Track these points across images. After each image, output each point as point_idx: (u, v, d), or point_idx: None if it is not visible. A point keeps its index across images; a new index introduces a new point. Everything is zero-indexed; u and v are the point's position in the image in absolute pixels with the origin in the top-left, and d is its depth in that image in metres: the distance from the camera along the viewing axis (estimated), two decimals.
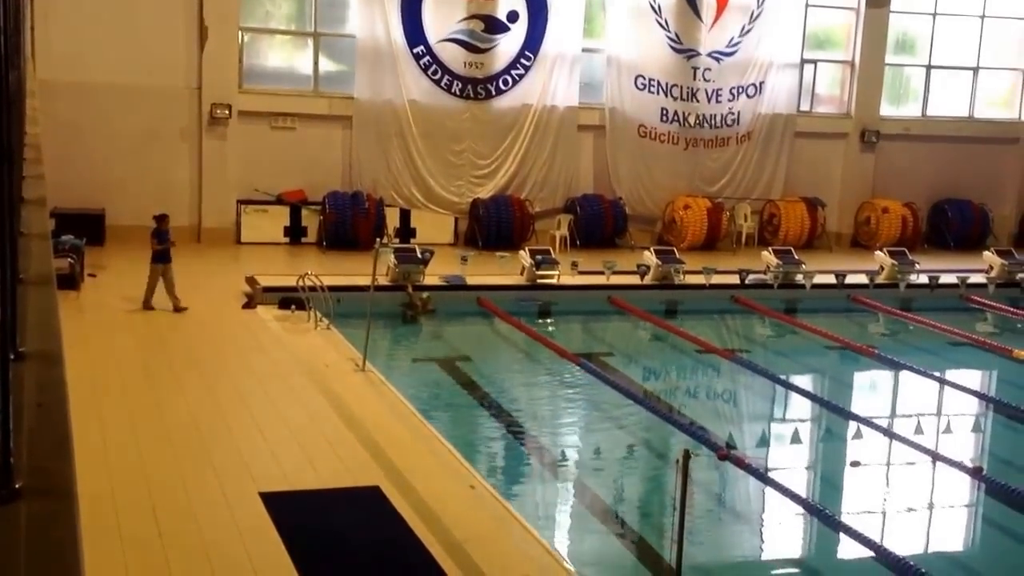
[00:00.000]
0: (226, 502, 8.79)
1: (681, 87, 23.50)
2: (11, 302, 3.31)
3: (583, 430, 13.18)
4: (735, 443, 11.97)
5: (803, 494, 11.13)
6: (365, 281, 13.93)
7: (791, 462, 12.73)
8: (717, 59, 23.63)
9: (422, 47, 21.80)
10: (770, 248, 20.46)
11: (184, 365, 12.87)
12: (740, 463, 10.97)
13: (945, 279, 20.22)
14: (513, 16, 22.26)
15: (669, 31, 23.23)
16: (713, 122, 23.81)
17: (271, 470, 9.59)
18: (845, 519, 10.28)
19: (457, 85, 22.09)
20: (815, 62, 24.74)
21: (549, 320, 18.53)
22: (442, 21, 21.89)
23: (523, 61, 22.42)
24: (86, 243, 17.18)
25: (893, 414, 14.83)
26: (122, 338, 13.91)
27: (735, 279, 19.28)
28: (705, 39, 23.50)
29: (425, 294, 17.20)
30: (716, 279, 18.96)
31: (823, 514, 10.28)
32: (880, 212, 24.33)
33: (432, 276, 17.69)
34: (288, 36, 22.48)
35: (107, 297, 15.97)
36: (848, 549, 9.88)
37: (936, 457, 12.05)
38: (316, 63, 21.87)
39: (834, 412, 13.71)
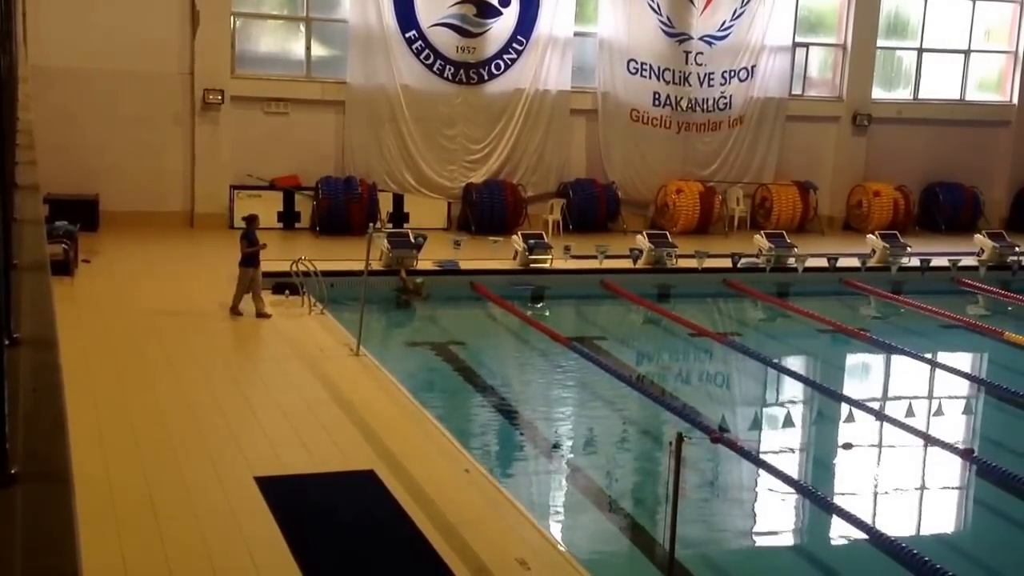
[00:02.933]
0: (221, 486, 8.82)
1: (673, 71, 23.48)
2: (5, 288, 3.33)
3: (576, 414, 13.22)
4: (728, 426, 12.01)
5: (795, 476, 11.19)
6: (359, 266, 13.93)
7: (783, 445, 12.78)
8: (709, 43, 23.60)
9: (414, 31, 21.77)
10: (762, 232, 20.50)
11: (179, 350, 12.88)
12: (733, 446, 11.02)
13: (936, 262, 20.29)
14: (505, 0, 22.22)
15: (661, 15, 23.20)
16: (705, 106, 23.80)
17: (266, 454, 9.62)
18: (837, 501, 10.34)
19: (449, 70, 22.06)
20: (807, 45, 24.74)
21: (542, 304, 18.58)
22: (434, 5, 21.84)
23: (515, 45, 22.39)
24: (80, 229, 17.15)
25: (885, 396, 14.90)
26: (116, 323, 13.92)
27: (727, 263, 19.33)
28: (697, 23, 23.47)
29: (419, 279, 17.22)
30: (708, 263, 19.00)
31: (815, 496, 10.35)
32: (872, 195, 24.35)
33: (425, 261, 17.72)
34: (280, 21, 22.42)
35: (101, 282, 15.97)
36: (840, 530, 9.96)
37: (928, 439, 12.11)
38: (308, 48, 21.83)
39: (826, 395, 13.79)
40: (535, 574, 7.61)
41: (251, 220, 15.15)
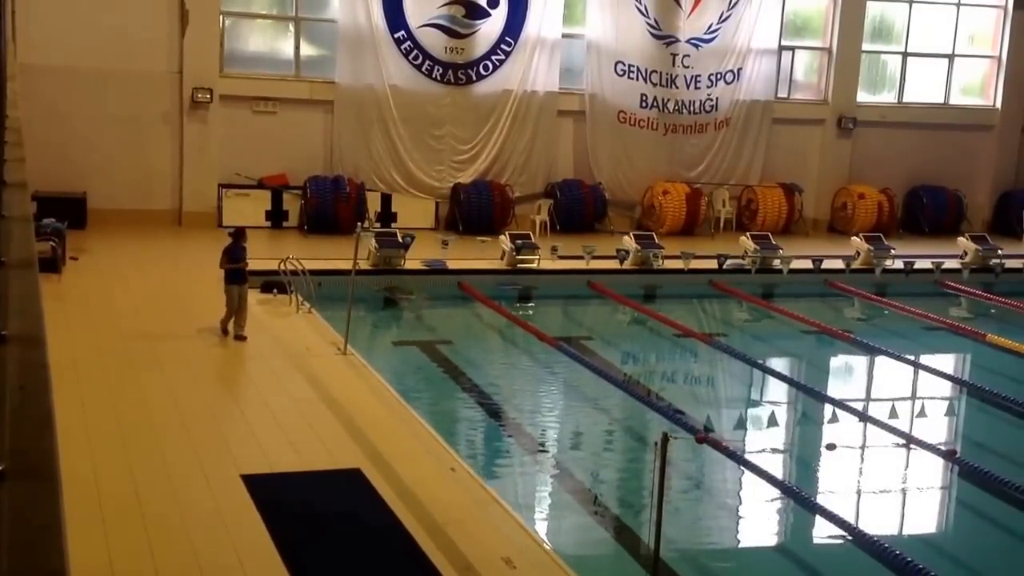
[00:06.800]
0: (208, 484, 8.85)
1: (660, 73, 23.55)
2: None
3: (563, 413, 13.27)
4: (713, 426, 12.07)
5: (780, 477, 11.25)
6: (346, 265, 13.96)
7: (768, 445, 12.84)
8: (696, 45, 23.67)
9: (403, 32, 21.79)
10: (748, 233, 20.58)
11: (166, 348, 12.88)
12: (718, 446, 11.08)
13: (920, 264, 20.38)
14: (494, 2, 22.25)
15: (648, 17, 23.26)
16: (692, 108, 23.87)
17: (253, 452, 9.64)
18: (821, 501, 10.42)
19: (438, 70, 22.09)
20: (793, 49, 24.82)
21: (529, 304, 18.62)
22: (423, 6, 21.86)
23: (503, 46, 22.42)
24: (68, 226, 17.14)
25: (868, 398, 14.98)
26: (104, 321, 13.92)
27: (713, 264, 19.40)
28: (684, 25, 23.54)
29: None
30: (694, 264, 19.07)
31: (799, 496, 10.41)
32: (856, 198, 24.46)
33: (413, 260, 17.75)
34: (269, 20, 22.41)
35: (89, 280, 15.96)
36: (824, 530, 10.02)
37: (911, 440, 12.19)
38: (297, 47, 21.83)
39: (810, 396, 13.87)
40: (521, 573, 7.66)
41: (238, 234, 13.72)
